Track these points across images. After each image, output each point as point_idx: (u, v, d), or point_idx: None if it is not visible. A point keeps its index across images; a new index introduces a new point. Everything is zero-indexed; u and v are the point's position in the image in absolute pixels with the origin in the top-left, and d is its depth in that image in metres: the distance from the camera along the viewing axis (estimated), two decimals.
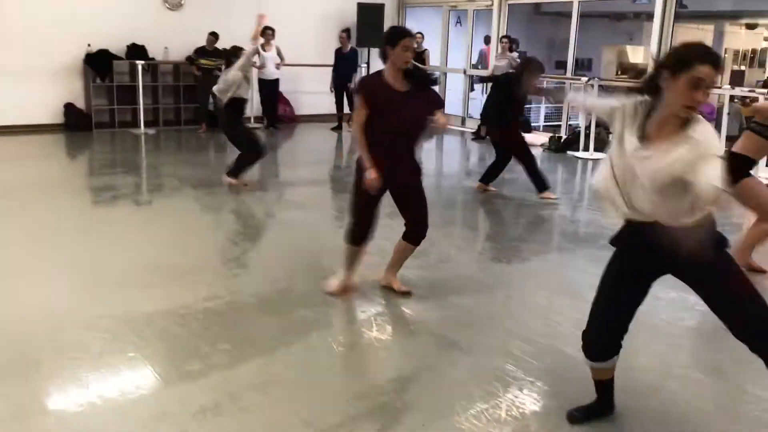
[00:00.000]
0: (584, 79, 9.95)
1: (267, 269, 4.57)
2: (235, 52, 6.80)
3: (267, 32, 10.59)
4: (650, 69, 2.40)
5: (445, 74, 12.64)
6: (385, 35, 3.73)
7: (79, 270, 4.41)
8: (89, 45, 10.09)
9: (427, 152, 10.62)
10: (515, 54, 10.75)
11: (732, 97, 9.51)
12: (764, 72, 14.71)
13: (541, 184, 6.81)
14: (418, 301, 4.03)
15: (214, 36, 10.38)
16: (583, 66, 15.80)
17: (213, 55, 10.24)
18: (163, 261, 4.61)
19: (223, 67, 7.34)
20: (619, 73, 16.32)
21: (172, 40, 10.68)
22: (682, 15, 9.41)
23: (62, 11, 9.86)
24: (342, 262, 4.06)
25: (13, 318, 3.61)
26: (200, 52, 10.45)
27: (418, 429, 2.69)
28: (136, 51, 10.45)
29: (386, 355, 3.44)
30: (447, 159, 10.26)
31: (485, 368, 3.19)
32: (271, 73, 10.92)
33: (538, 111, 13.44)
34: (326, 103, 11.68)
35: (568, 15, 12.60)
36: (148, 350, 3.28)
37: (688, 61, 2.20)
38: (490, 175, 7.09)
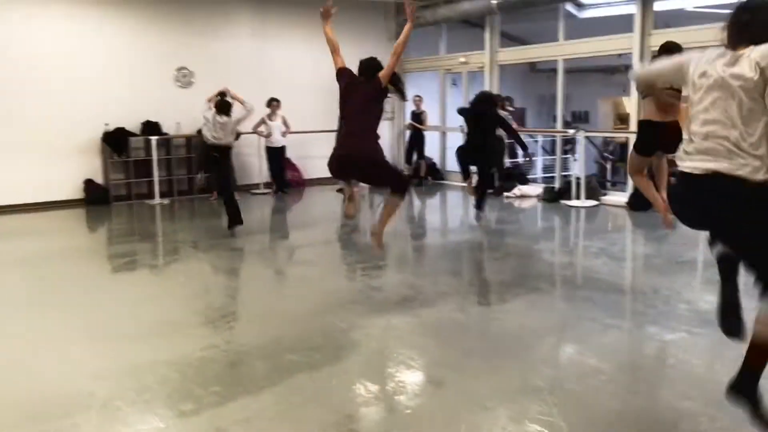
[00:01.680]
0: (571, 131, 10.39)
1: (262, 321, 4.97)
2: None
3: (272, 103, 11.29)
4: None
5: (444, 133, 13.19)
6: None
7: (93, 328, 4.83)
8: (107, 124, 10.80)
9: (429, 208, 11.09)
10: (506, 112, 11.25)
11: None
12: None
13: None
14: (409, 338, 4.39)
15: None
16: (579, 119, 16.33)
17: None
18: (170, 317, 5.04)
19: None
20: (618, 123, 16.77)
21: (184, 115, 11.37)
22: None
23: (82, 93, 10.61)
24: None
25: (30, 372, 4.02)
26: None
27: None
28: (150, 127, 11.15)
29: (362, 389, 3.78)
30: (450, 213, 10.68)
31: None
32: (277, 141, 11.55)
33: (535, 164, 13.88)
34: None
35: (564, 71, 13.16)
36: (148, 395, 3.66)
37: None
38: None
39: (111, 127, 10.85)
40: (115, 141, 10.87)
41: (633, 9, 9.64)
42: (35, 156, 10.32)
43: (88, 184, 10.84)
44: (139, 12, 11.06)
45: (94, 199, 10.74)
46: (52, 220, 9.67)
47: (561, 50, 10.81)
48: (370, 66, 5.28)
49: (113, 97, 10.87)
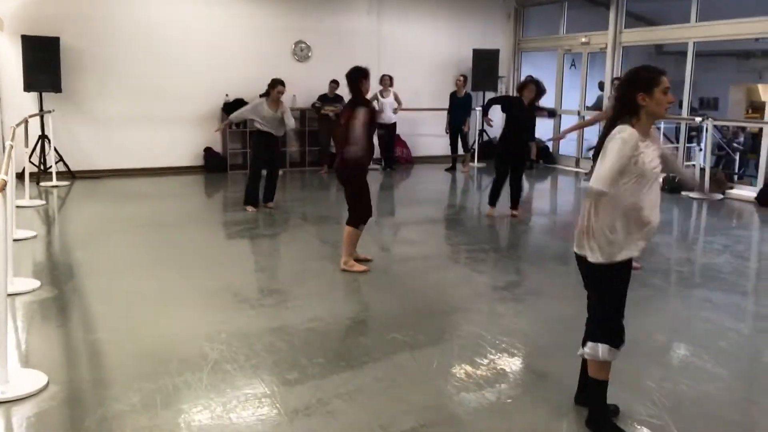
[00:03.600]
0: (698, 119, 9.80)
1: (367, 296, 5.04)
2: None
3: (384, 79, 11.32)
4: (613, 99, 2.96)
5: (560, 116, 12.79)
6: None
7: (208, 293, 5.07)
8: (227, 95, 11.21)
9: (542, 192, 10.82)
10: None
11: None
12: None
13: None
14: (513, 325, 4.33)
15: (335, 83, 11.21)
16: (708, 105, 15.36)
17: (334, 101, 11.05)
18: (278, 286, 5.22)
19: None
20: (750, 111, 15.68)
21: (301, 88, 11.63)
22: None
23: (205, 65, 11.08)
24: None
25: (154, 334, 4.27)
26: (323, 98, 11.32)
27: None
28: None
29: (463, 373, 3.76)
30: (561, 199, 10.38)
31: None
32: (389, 117, 11.57)
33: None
34: (441, 145, 12.17)
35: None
36: (256, 360, 3.80)
37: (655, 78, 2.85)
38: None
39: (231, 98, 11.25)
40: (234, 111, 11.23)
41: None
42: (161, 124, 10.90)
43: (208, 152, 11.32)
44: None
45: (213, 166, 11.21)
46: (173, 185, 10.18)
47: (693, 32, 10.17)
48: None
49: (234, 68, 11.26)
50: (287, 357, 3.87)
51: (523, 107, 7.66)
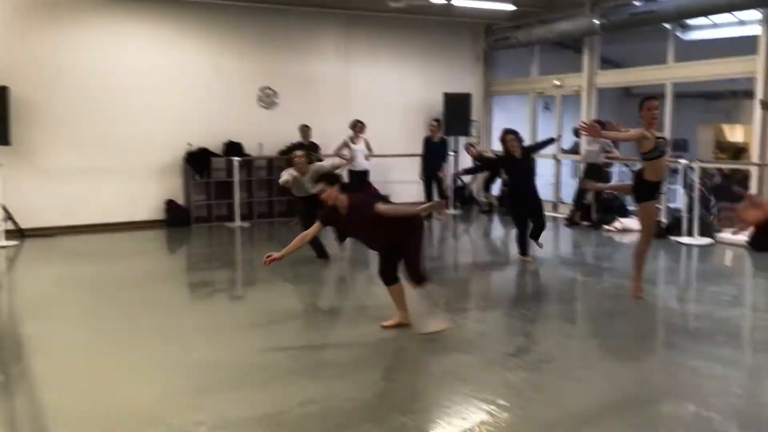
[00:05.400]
0: (683, 161, 9.58)
1: (361, 371, 4.44)
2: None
3: (357, 125, 10.87)
4: None
5: (534, 160, 12.51)
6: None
7: (176, 369, 4.42)
8: (190, 144, 10.61)
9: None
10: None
11: None
12: None
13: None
14: (513, 404, 3.79)
15: (307, 128, 10.74)
16: (678, 146, 15.33)
17: (310, 148, 10.52)
18: (257, 360, 4.57)
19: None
20: (717, 152, 15.72)
21: (267, 136, 11.13)
22: None
23: (165, 112, 10.48)
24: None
25: (112, 422, 3.60)
26: (297, 146, 10.75)
27: None
28: (233, 148, 10.91)
29: None
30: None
31: None
32: (360, 164, 11.09)
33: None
34: (415, 192, 11.74)
35: (660, 96, 12.31)
36: None
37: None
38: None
39: (194, 148, 10.66)
40: (197, 161, 10.66)
41: (757, 30, 8.79)
42: (118, 176, 10.21)
43: (170, 204, 10.65)
44: (223, 31, 10.87)
45: (175, 220, 10.53)
46: (132, 241, 9.46)
47: (670, 73, 10.01)
48: None
49: (196, 117, 10.69)
50: None
51: (513, 159, 7.57)
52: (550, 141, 8.17)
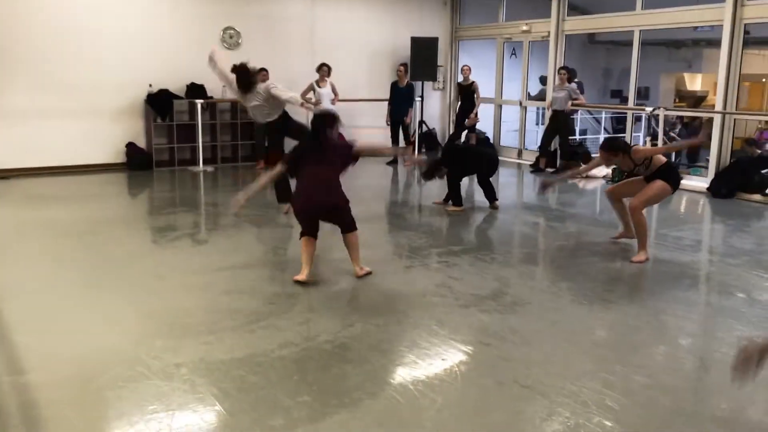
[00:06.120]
0: (648, 109, 9.69)
1: (341, 313, 4.46)
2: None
3: (323, 68, 10.67)
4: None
5: (500, 106, 12.53)
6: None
7: (148, 313, 4.37)
8: (150, 85, 10.29)
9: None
10: (574, 85, 10.59)
11: None
12: None
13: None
14: (498, 349, 3.86)
15: (265, 71, 10.47)
16: (640, 95, 15.51)
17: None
18: (231, 304, 4.55)
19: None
20: (677, 101, 15.96)
21: (230, 77, 10.81)
22: (747, 41, 9.10)
23: (125, 53, 10.12)
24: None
25: (88, 363, 3.55)
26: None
27: None
28: (195, 90, 10.61)
29: (477, 394, 3.26)
30: (505, 191, 10.06)
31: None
32: (327, 109, 10.93)
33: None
34: (381, 137, 11.64)
35: (624, 44, 12.40)
36: (228, 403, 3.17)
37: None
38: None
39: (155, 89, 10.34)
40: (158, 103, 10.35)
41: None
42: (76, 118, 9.89)
43: (130, 147, 10.38)
44: None
45: (136, 163, 10.27)
46: (92, 185, 9.21)
47: (638, 20, 10.02)
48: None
49: (158, 57, 10.35)
50: (265, 396, 3.25)
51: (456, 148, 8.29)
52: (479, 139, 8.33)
